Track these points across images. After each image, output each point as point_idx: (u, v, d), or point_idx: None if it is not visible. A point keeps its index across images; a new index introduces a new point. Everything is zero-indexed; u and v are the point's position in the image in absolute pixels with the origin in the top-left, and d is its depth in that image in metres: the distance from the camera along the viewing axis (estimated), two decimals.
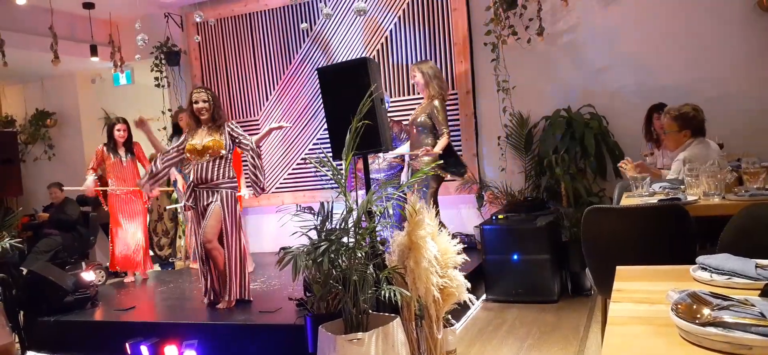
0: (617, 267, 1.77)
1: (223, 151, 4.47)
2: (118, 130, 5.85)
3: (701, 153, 3.52)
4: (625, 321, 1.34)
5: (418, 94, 6.09)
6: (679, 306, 1.21)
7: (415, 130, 5.19)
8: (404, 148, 5.37)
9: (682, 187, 3.40)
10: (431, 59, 5.95)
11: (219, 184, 4.47)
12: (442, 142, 5.04)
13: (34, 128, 8.06)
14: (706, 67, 5.12)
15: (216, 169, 4.48)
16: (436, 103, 5.09)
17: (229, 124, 4.62)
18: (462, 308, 4.08)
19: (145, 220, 6.01)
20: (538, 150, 5.54)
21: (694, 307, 1.19)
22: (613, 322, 1.32)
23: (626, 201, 3.45)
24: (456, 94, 5.95)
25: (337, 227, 3.06)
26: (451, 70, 5.96)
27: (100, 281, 6.19)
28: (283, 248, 3.60)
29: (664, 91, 4.99)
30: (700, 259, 1.65)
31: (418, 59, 6.06)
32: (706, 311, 1.16)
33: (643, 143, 5.02)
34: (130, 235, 5.91)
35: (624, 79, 5.39)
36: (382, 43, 6.25)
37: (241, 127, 6.75)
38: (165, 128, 6.86)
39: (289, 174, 6.80)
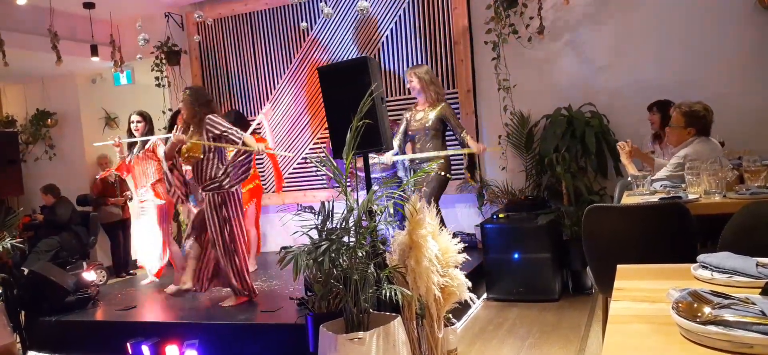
0: (618, 266, 1.77)
1: (201, 155, 4.40)
2: (132, 122, 5.49)
3: (704, 151, 3.51)
4: (626, 320, 1.34)
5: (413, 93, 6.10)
6: (680, 305, 1.21)
7: (425, 135, 5.20)
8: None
9: (683, 185, 3.40)
10: (431, 58, 5.97)
11: (205, 185, 4.44)
12: (472, 142, 5.18)
13: (35, 128, 8.06)
14: (707, 65, 5.11)
15: (200, 170, 4.45)
16: (445, 105, 5.19)
17: (209, 119, 4.37)
18: (463, 307, 4.08)
19: (159, 219, 5.63)
20: (538, 149, 5.53)
21: (695, 305, 1.19)
22: (614, 320, 1.32)
23: (627, 200, 3.44)
24: (456, 93, 5.95)
25: (338, 226, 3.06)
26: (451, 68, 5.96)
27: (101, 280, 6.19)
28: (284, 248, 3.60)
29: (665, 90, 4.99)
30: (700, 257, 1.65)
31: (418, 59, 6.06)
32: (707, 310, 1.15)
33: (644, 142, 5.01)
34: (143, 234, 5.60)
35: (625, 78, 5.38)
36: (383, 42, 6.25)
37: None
38: (165, 128, 6.85)
39: (289, 174, 6.80)
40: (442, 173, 5.14)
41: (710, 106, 3.70)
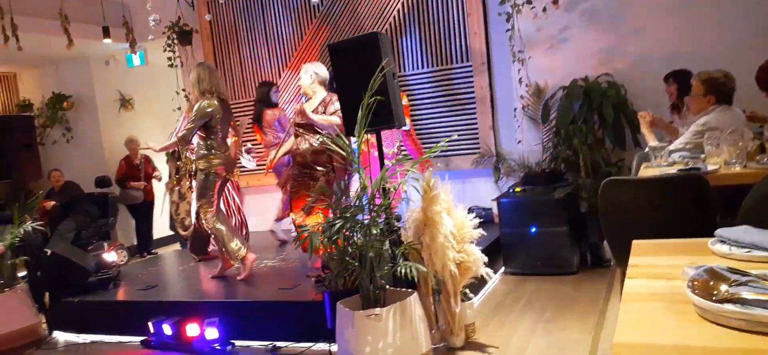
0: (633, 242, 1.74)
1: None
2: None
3: (724, 119, 3.44)
4: (640, 298, 1.31)
5: (426, 68, 6.07)
6: (696, 283, 1.18)
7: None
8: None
9: (702, 156, 3.34)
10: (444, 31, 5.91)
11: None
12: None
13: (52, 111, 8.15)
14: (726, 32, 4.97)
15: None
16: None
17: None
18: (480, 282, 4.08)
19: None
20: (555, 121, 5.46)
21: (712, 283, 1.16)
22: (627, 298, 1.30)
23: (645, 172, 3.40)
24: (471, 65, 5.88)
25: (352, 204, 3.06)
26: (464, 41, 5.89)
27: (121, 261, 6.28)
28: (299, 226, 3.61)
29: (685, 58, 4.87)
30: (718, 231, 1.61)
31: (431, 33, 5.98)
32: (723, 288, 1.13)
33: (662, 113, 4.92)
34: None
35: (642, 47, 5.26)
36: (395, 17, 6.18)
37: (249, 105, 6.64)
38: (180, 108, 6.89)
39: None
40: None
41: (731, 74, 3.61)
